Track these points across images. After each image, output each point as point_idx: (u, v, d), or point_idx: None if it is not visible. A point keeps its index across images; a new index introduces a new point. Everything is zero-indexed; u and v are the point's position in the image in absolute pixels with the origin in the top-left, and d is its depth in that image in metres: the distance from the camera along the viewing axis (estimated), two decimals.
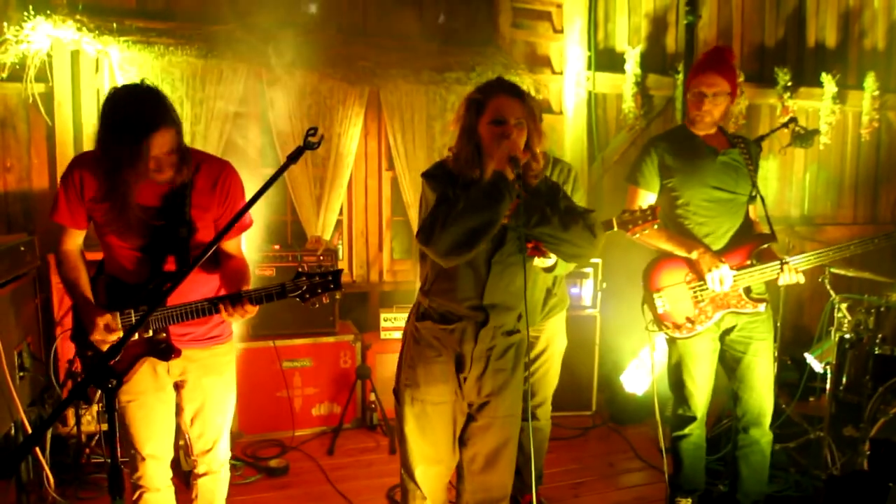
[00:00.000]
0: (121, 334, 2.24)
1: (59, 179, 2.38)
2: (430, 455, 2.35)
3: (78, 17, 3.80)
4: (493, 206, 2.06)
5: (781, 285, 2.92)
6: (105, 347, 2.24)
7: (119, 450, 2.34)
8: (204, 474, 2.55)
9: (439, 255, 2.11)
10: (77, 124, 4.03)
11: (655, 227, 2.76)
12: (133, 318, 2.29)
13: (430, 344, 2.30)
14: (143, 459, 2.41)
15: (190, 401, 2.47)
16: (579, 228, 2.19)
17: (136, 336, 2.28)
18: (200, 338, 2.43)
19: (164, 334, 2.31)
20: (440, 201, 2.12)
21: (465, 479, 2.41)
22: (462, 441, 2.38)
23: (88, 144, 4.03)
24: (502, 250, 2.23)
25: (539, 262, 2.83)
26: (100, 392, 2.44)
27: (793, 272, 2.86)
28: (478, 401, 2.34)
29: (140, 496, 2.44)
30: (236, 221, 1.82)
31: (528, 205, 2.13)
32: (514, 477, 3.27)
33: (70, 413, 3.73)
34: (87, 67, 4.00)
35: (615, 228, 2.77)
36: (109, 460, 1.70)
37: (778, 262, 2.88)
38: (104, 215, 2.26)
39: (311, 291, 2.22)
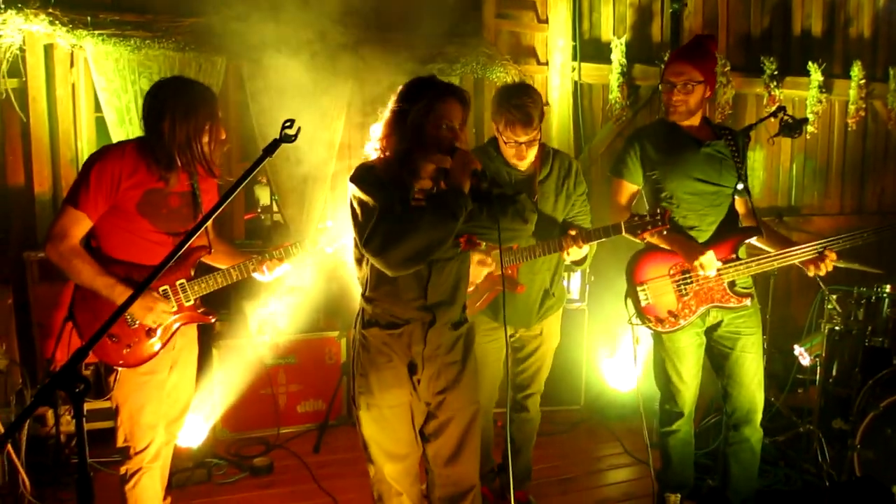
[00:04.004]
0: (174, 307, 2.53)
1: (83, 171, 2.38)
2: (394, 453, 2.34)
3: (50, 10, 3.70)
4: (451, 221, 2.06)
5: (812, 275, 2.85)
6: (159, 325, 2.49)
7: (124, 438, 2.52)
8: (166, 443, 2.69)
9: (390, 267, 2.11)
10: (53, 120, 3.94)
11: (665, 232, 2.72)
12: (183, 291, 2.55)
13: (380, 350, 2.28)
14: (156, 435, 2.58)
15: (176, 373, 2.64)
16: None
17: (176, 308, 2.53)
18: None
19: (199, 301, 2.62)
20: (386, 212, 2.09)
21: (432, 472, 2.41)
22: (424, 437, 2.38)
23: (64, 139, 3.95)
24: None
25: (574, 253, 2.80)
26: (113, 376, 2.52)
27: (828, 261, 2.78)
28: (435, 399, 2.34)
29: (140, 478, 2.57)
30: (219, 208, 1.84)
31: None
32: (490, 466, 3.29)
33: (49, 414, 3.67)
34: (61, 62, 3.92)
35: (623, 233, 2.73)
36: (78, 469, 1.63)
37: (805, 245, 2.80)
38: (142, 201, 2.39)
39: (330, 242, 2.76)
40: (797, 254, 2.83)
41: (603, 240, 2.82)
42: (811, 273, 2.83)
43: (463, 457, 2.36)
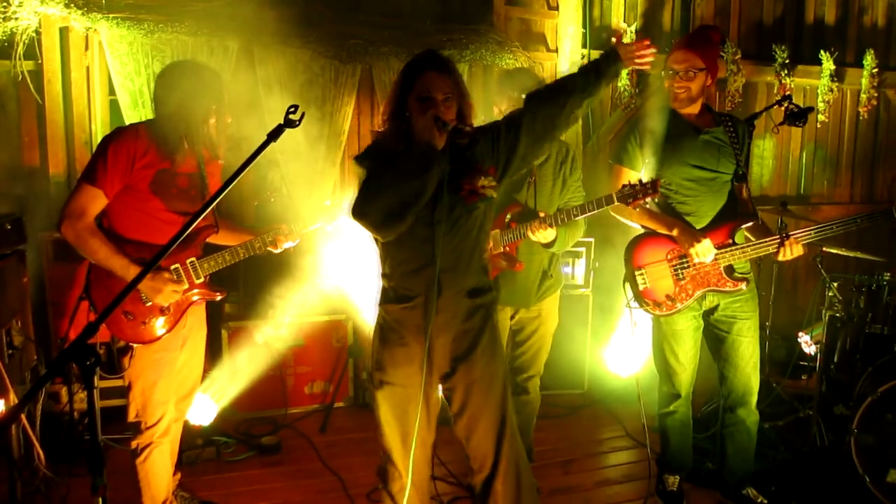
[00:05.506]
0: (185, 286, 2.62)
1: (99, 150, 2.46)
2: (403, 435, 2.36)
3: None
4: (421, 174, 2.09)
5: (781, 260, 2.88)
6: (169, 303, 2.58)
7: (136, 413, 2.61)
8: (176, 419, 2.79)
9: (373, 226, 2.16)
10: (67, 102, 4.00)
11: (657, 200, 2.77)
12: (193, 269, 2.64)
13: (392, 327, 2.32)
14: (167, 411, 2.69)
15: (187, 351, 2.75)
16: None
17: (187, 286, 2.62)
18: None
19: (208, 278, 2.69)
20: (370, 176, 2.15)
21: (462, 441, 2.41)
22: (447, 398, 2.38)
23: (79, 122, 4.02)
24: (440, 208, 2.19)
25: (539, 236, 2.85)
26: (129, 354, 2.62)
27: (794, 246, 2.82)
28: (448, 370, 2.33)
29: (150, 452, 2.67)
30: (226, 189, 1.87)
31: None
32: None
33: (63, 391, 3.76)
34: (76, 44, 3.97)
35: (616, 203, 2.77)
36: (89, 437, 1.70)
37: (777, 237, 2.86)
38: (154, 181, 2.48)
39: (330, 220, 2.90)
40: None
41: (596, 211, 2.85)
42: (780, 258, 2.86)
43: (478, 431, 2.31)
